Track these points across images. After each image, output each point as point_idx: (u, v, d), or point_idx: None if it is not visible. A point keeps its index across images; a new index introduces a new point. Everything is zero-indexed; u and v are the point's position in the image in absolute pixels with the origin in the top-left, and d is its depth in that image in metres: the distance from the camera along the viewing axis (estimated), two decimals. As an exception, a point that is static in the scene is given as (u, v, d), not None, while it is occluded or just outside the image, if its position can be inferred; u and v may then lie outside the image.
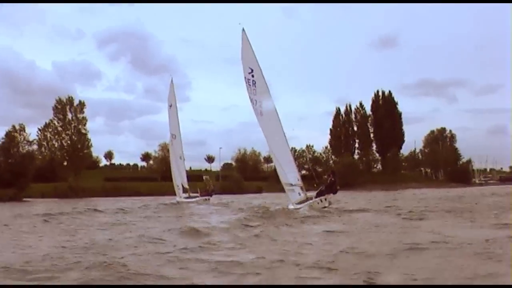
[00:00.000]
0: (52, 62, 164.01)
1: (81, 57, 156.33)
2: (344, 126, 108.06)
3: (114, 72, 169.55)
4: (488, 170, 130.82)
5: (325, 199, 24.11)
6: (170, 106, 41.86)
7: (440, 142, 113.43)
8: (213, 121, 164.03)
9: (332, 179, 25.50)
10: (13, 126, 58.07)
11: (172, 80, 42.71)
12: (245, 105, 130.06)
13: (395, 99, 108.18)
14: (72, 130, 74.73)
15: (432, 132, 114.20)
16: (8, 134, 57.04)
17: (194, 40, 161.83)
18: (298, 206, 24.17)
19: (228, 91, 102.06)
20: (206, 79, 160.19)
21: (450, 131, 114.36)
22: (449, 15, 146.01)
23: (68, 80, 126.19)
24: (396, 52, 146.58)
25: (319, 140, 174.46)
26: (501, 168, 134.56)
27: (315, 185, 28.13)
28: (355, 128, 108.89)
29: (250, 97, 26.51)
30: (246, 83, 26.47)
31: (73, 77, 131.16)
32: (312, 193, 25.40)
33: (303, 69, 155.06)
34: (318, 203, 23.91)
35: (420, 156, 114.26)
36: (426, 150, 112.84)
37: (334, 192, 25.03)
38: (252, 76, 26.12)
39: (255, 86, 26.20)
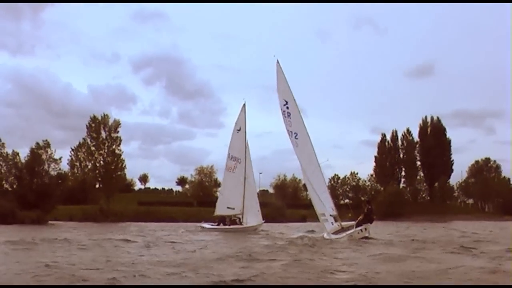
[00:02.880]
0: (87, 85, 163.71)
1: (116, 81, 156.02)
2: (390, 153, 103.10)
3: (149, 96, 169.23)
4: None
5: (365, 229, 24.30)
6: (239, 129, 41.23)
7: (485, 172, 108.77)
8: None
9: (369, 206, 25.85)
10: (37, 143, 54.20)
11: (244, 104, 41.84)
12: (279, 132, 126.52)
13: (444, 126, 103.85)
14: (106, 150, 71.30)
15: (477, 162, 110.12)
16: (32, 151, 53.40)
17: (229, 65, 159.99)
18: (335, 236, 24.58)
19: (262, 118, 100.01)
20: (241, 105, 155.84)
21: (495, 161, 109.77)
22: (486, 45, 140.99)
23: (103, 103, 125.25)
24: (433, 82, 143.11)
25: (355, 168, 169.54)
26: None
27: (349, 215, 28.47)
28: (401, 156, 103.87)
29: (286, 129, 27.01)
30: (282, 114, 27.05)
31: (109, 100, 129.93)
32: (348, 223, 25.77)
33: (337, 96, 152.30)
34: (358, 233, 24.19)
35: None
36: (470, 181, 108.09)
37: (371, 222, 25.07)
38: (287, 108, 26.84)
39: (290, 118, 26.86)
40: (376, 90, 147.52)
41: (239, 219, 39.79)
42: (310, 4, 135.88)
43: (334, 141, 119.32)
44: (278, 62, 27.06)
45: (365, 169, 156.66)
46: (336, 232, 25.06)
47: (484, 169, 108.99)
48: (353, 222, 25.42)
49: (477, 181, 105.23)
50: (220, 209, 41.08)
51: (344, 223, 25.86)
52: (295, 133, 26.74)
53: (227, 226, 38.39)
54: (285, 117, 26.85)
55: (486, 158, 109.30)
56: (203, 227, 38.59)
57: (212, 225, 39.06)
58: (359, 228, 24.34)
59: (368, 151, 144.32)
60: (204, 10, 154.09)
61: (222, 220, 39.55)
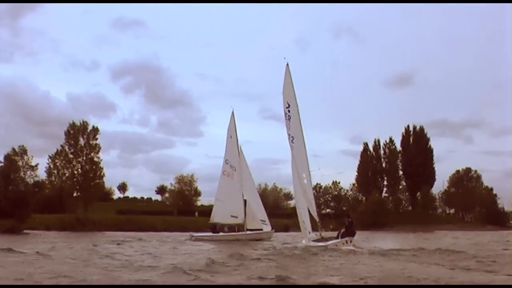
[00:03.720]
0: (66, 93, 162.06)
1: (95, 89, 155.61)
2: (372, 162, 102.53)
3: (128, 104, 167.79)
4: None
5: (350, 241, 25.29)
6: (231, 137, 42.15)
7: (465, 182, 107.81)
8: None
9: (349, 219, 27.11)
10: (13, 149, 52.81)
11: (233, 112, 42.73)
12: (258, 141, 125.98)
13: (428, 134, 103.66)
14: (84, 158, 69.52)
15: (458, 171, 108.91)
16: (7, 157, 51.72)
17: (209, 74, 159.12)
18: (314, 243, 25.22)
19: (242, 127, 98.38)
20: (220, 114, 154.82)
21: (476, 171, 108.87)
22: (465, 54, 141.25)
23: (82, 111, 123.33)
24: (412, 91, 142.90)
25: (334, 178, 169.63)
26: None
27: (331, 226, 29.00)
28: (384, 165, 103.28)
29: (287, 131, 27.71)
30: (284, 116, 27.83)
31: (88, 108, 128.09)
32: (327, 233, 26.96)
33: (317, 105, 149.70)
34: (343, 243, 25.03)
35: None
36: (451, 190, 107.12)
37: (353, 235, 26.14)
38: (289, 111, 27.44)
39: (289, 121, 27.54)
40: (354, 100, 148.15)
41: (228, 228, 39.41)
42: (290, 13, 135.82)
43: (314, 150, 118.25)
44: (287, 65, 27.77)
45: (345, 179, 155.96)
46: (316, 241, 25.94)
47: (465, 179, 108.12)
48: (334, 233, 26.68)
49: (458, 191, 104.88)
50: (222, 217, 40.30)
51: (324, 233, 26.92)
52: (292, 137, 27.45)
53: (222, 234, 38.56)
54: (286, 119, 27.60)
55: (467, 168, 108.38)
56: (192, 236, 38.05)
57: (212, 233, 38.93)
58: (344, 239, 25.29)
59: (347, 160, 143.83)
60: (184, 19, 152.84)
61: (213, 228, 39.31)
